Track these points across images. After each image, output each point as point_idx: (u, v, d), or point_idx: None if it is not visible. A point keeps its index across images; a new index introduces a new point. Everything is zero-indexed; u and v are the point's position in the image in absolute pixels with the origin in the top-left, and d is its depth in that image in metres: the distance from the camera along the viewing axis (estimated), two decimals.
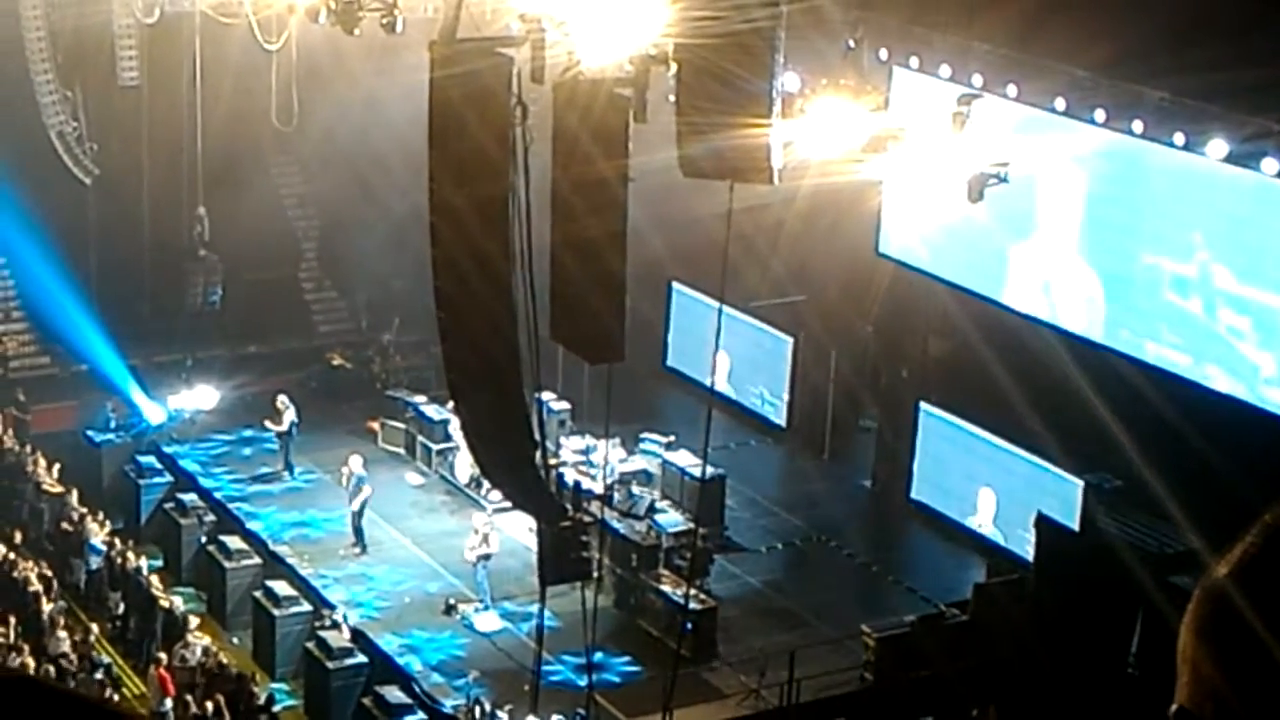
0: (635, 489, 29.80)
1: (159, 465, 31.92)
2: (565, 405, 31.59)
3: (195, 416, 33.62)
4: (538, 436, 21.38)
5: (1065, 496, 27.46)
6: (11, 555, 28.57)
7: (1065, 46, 25.18)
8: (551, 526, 23.83)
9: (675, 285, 35.08)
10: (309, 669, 26.46)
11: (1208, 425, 23.60)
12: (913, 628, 25.78)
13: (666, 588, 27.25)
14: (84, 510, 29.92)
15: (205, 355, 35.54)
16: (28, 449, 31.85)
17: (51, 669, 25.30)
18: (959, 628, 26.04)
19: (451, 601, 27.86)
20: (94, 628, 27.52)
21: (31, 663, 25.20)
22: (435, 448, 31.96)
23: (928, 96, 25.23)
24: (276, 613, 27.27)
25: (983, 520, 29.55)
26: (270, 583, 27.98)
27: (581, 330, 20.72)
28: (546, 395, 27.31)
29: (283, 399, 32.16)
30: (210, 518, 30.18)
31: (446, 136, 19.74)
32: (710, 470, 27.93)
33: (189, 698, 25.12)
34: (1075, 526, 26.71)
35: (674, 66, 19.16)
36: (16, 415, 33.19)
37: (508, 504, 26.89)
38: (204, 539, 29.77)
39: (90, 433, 32.76)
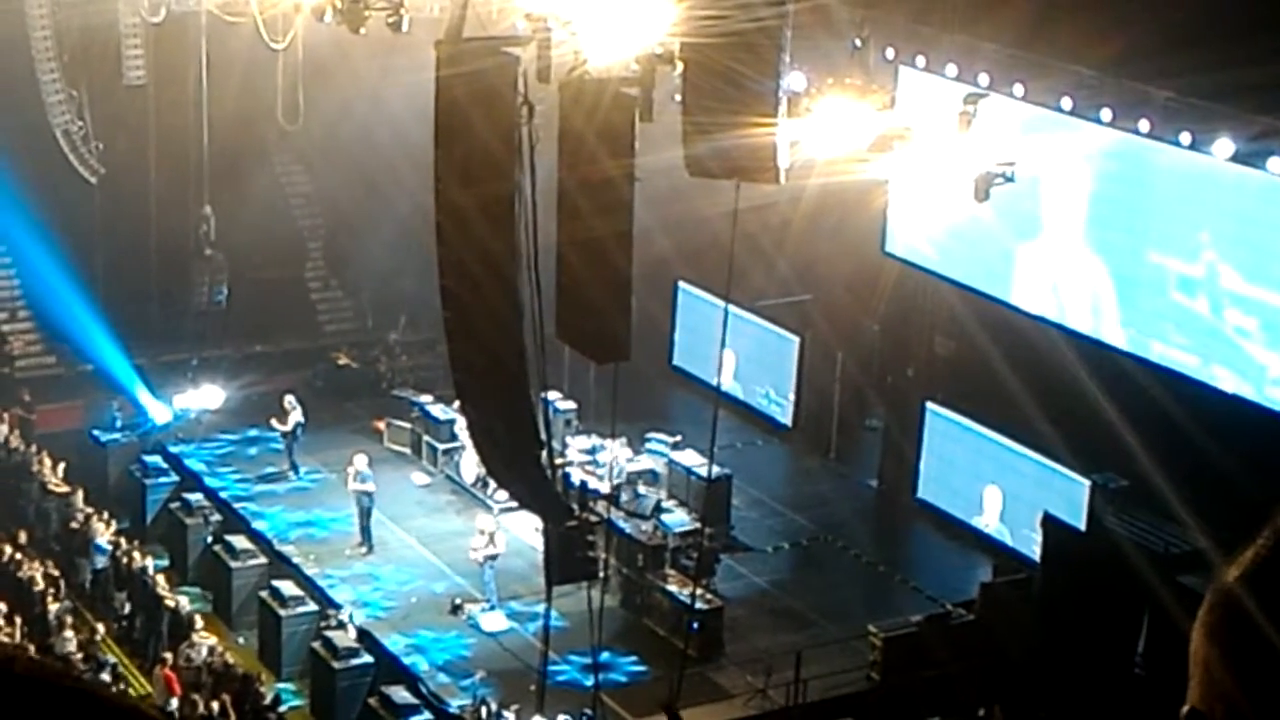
0: (641, 489, 29.77)
1: (165, 465, 31.91)
2: (571, 405, 31.57)
3: (201, 416, 33.64)
4: (544, 436, 21.39)
5: (1072, 496, 27.44)
6: (17, 555, 28.58)
7: (1072, 46, 25.16)
8: (558, 526, 23.84)
9: (681, 284, 35.07)
10: (315, 669, 26.45)
11: (1214, 424, 23.58)
12: (919, 627, 25.77)
13: (673, 587, 27.23)
14: (89, 510, 29.93)
15: (211, 355, 35.54)
16: (33, 448, 31.85)
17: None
18: (965, 627, 26.02)
19: (458, 601, 27.85)
20: (100, 627, 27.52)
21: None
22: (441, 447, 31.95)
23: (934, 96, 25.21)
24: (282, 612, 27.26)
25: (989, 520, 29.53)
26: (276, 582, 27.98)
27: (587, 329, 20.73)
28: (553, 395, 27.28)
29: (289, 399, 32.17)
30: (216, 517, 30.17)
31: (452, 136, 19.75)
32: (716, 470, 27.91)
33: (195, 697, 25.11)
34: (1082, 526, 26.68)
35: (680, 66, 19.19)
36: (22, 415, 33.19)
37: (514, 504, 26.90)
38: (210, 538, 29.76)
39: (96, 432, 32.77)
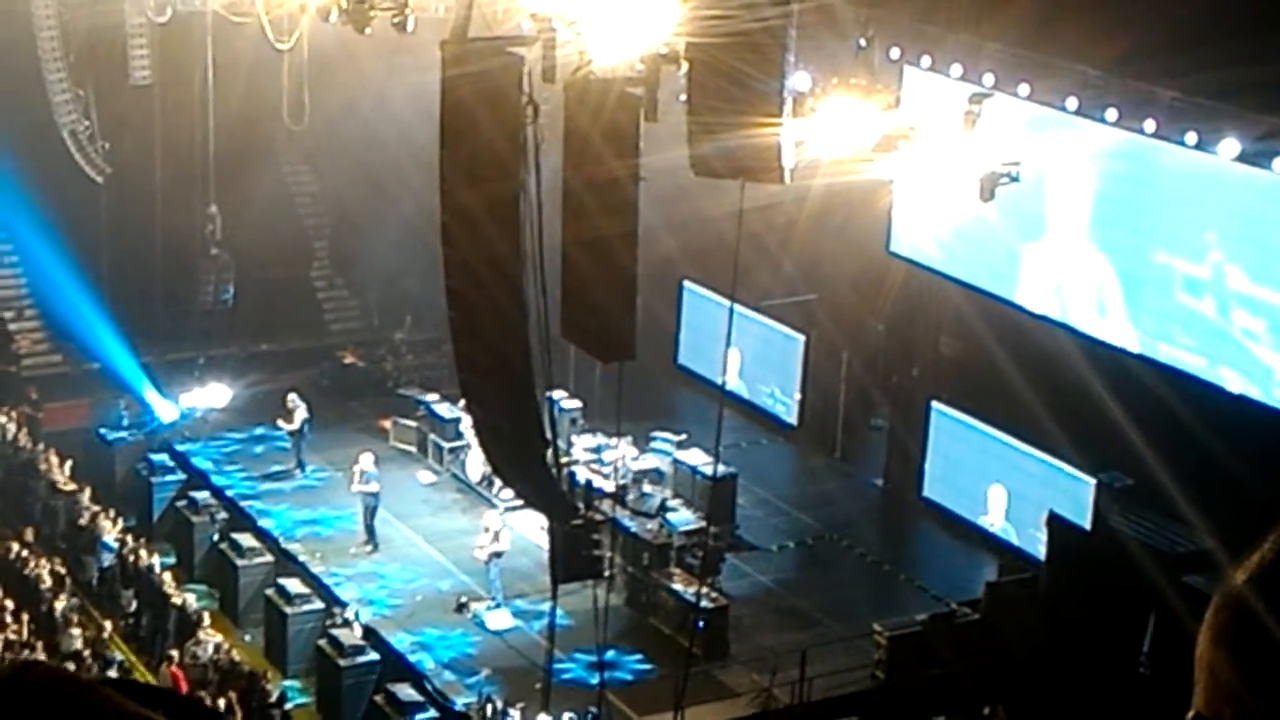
0: (647, 487, 29.77)
1: (171, 463, 31.96)
2: (577, 404, 31.59)
3: (207, 414, 33.68)
4: (549, 435, 21.39)
5: (1077, 495, 27.43)
6: (24, 552, 28.64)
7: (1077, 45, 25.14)
8: (563, 525, 23.87)
9: (687, 284, 35.08)
10: (321, 667, 26.49)
11: (1220, 423, 23.58)
12: (924, 626, 25.76)
13: (678, 586, 27.25)
14: (96, 508, 29.98)
15: (217, 353, 35.60)
16: (40, 447, 31.92)
17: (69, 666, 25.34)
18: (970, 627, 26.01)
19: (463, 599, 27.87)
20: (106, 625, 27.58)
21: (44, 660, 25.26)
22: (447, 446, 31.96)
23: (939, 95, 25.20)
24: (289, 610, 27.30)
25: (994, 519, 29.53)
26: (282, 580, 28.02)
27: (593, 329, 20.74)
28: (558, 394, 27.30)
29: (292, 397, 32.19)
30: (222, 515, 30.21)
31: (458, 136, 19.78)
32: (722, 469, 27.92)
33: (201, 695, 25.09)
34: (1087, 525, 26.67)
35: (685, 66, 19.18)
36: (29, 413, 33.26)
37: (519, 502, 26.94)
38: (216, 537, 29.81)
39: (103, 431, 32.82)
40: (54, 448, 31.74)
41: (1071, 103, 25.16)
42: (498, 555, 27.84)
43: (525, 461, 21.92)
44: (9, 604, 26.64)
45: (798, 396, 33.68)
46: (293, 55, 32.91)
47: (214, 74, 34.76)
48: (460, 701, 25.12)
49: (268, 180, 37.59)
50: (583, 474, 28.63)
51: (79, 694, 2.00)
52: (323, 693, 26.44)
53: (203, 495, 30.68)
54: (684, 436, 31.10)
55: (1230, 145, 23.37)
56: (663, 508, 29.05)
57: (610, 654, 25.03)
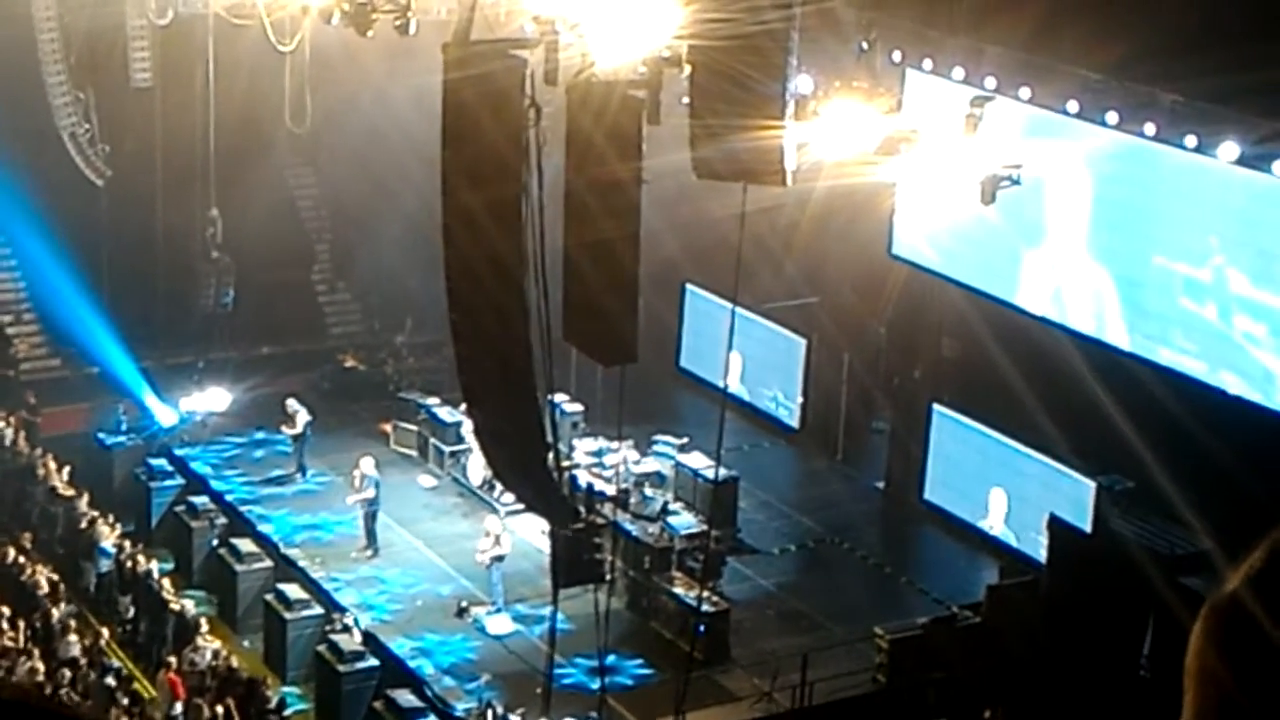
0: (648, 491, 29.77)
1: (170, 468, 31.88)
2: (578, 407, 31.58)
3: (207, 419, 33.64)
4: (550, 439, 21.36)
5: (1078, 498, 27.43)
6: (21, 559, 28.58)
7: (1078, 49, 25.13)
8: (564, 529, 23.82)
9: (689, 287, 35.09)
10: (320, 672, 26.43)
11: (1220, 426, 23.58)
12: (925, 629, 25.77)
13: (679, 590, 27.23)
14: (94, 513, 29.91)
15: (217, 357, 35.58)
16: (39, 451, 31.85)
17: (66, 672, 25.30)
18: (971, 629, 26.02)
19: (464, 604, 27.85)
20: (104, 631, 27.48)
21: (41, 666, 25.22)
22: (448, 450, 31.95)
23: (941, 99, 25.18)
24: (288, 616, 27.24)
25: (995, 522, 29.52)
26: (281, 586, 27.96)
27: (595, 332, 20.72)
28: (559, 397, 27.29)
29: (291, 402, 32.16)
30: (221, 520, 30.16)
31: (460, 138, 19.75)
32: (723, 472, 27.90)
33: (200, 701, 25.09)
34: (1088, 528, 26.66)
35: (687, 68, 19.15)
36: (27, 418, 33.20)
37: (520, 506, 26.90)
38: (215, 542, 29.75)
39: (101, 435, 32.76)
40: (52, 452, 31.68)
41: (1072, 106, 25.15)
42: (499, 559, 27.82)
43: (526, 465, 21.89)
44: (5, 610, 26.54)
45: (799, 399, 33.69)
46: (294, 57, 32.91)
47: (215, 76, 34.71)
48: (460, 707, 25.08)
49: (269, 183, 37.55)
50: (584, 477, 28.62)
51: (48, 715, 1.97)
52: (322, 699, 26.38)
53: (202, 500, 30.62)
54: (685, 440, 31.10)
55: (1230, 148, 23.35)
56: (664, 511, 29.03)
57: (611, 658, 25.00)
